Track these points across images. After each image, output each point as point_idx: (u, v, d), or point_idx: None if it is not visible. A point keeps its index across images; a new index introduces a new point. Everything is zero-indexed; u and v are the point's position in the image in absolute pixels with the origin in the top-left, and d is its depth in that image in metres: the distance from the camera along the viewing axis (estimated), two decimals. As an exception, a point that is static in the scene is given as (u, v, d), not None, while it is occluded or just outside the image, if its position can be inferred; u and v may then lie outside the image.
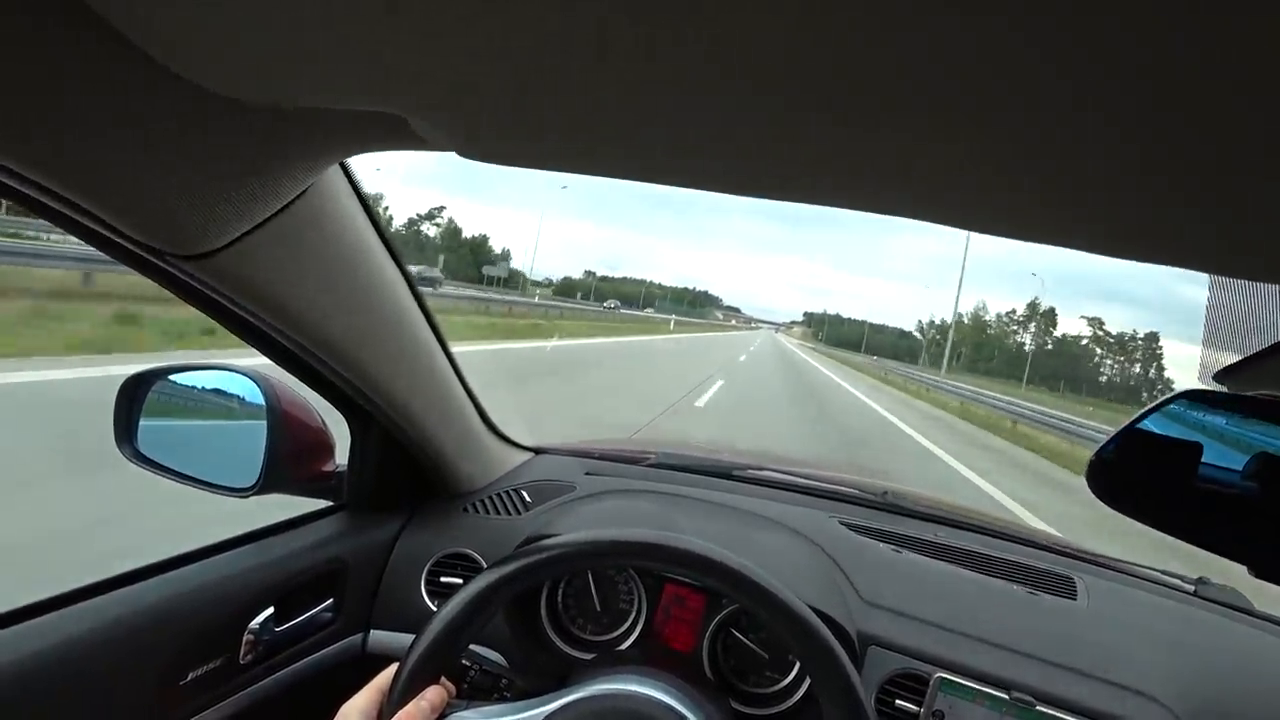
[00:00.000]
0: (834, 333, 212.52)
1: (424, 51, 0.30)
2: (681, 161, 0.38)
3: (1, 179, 0.44)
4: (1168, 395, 0.50)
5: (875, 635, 0.90)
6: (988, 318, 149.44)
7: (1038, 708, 0.80)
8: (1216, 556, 0.48)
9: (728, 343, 38.97)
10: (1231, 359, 0.52)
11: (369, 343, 0.80)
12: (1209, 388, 0.50)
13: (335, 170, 0.60)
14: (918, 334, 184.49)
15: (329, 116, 0.44)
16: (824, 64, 0.25)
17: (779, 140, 0.33)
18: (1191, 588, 1.13)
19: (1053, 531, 1.33)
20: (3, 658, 0.62)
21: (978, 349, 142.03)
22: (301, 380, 0.86)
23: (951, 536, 1.17)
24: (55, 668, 0.65)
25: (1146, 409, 0.50)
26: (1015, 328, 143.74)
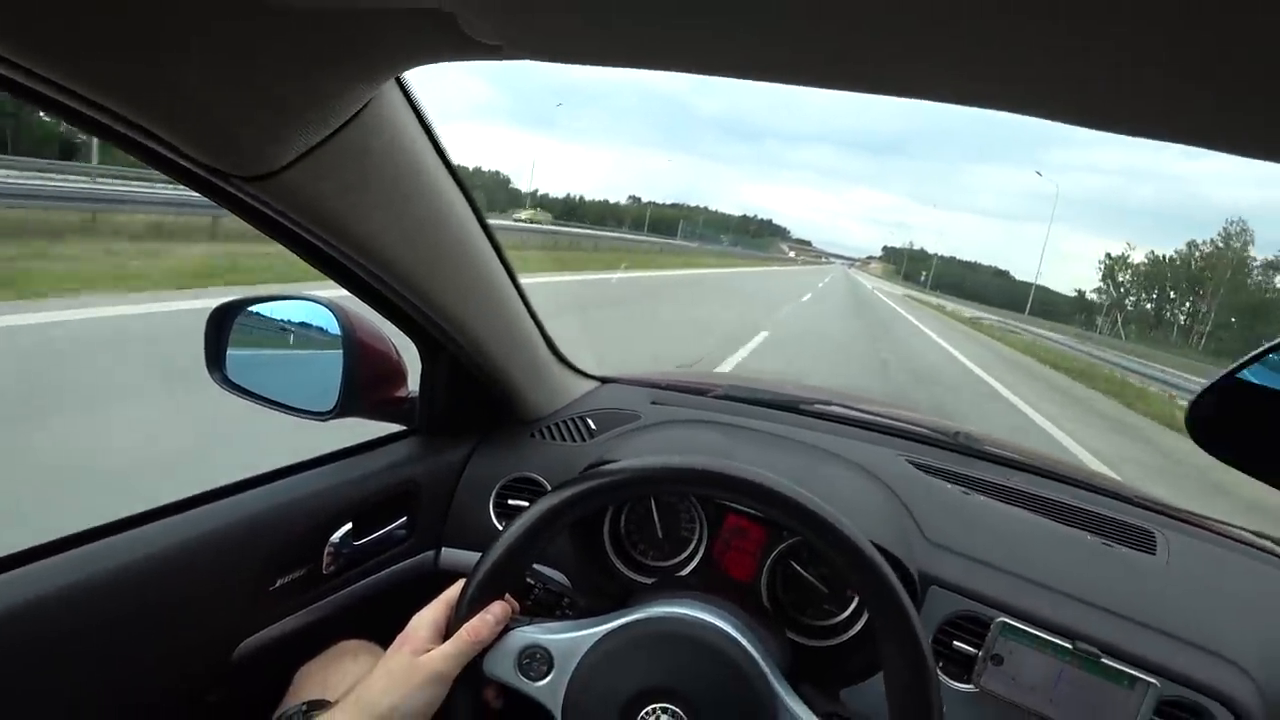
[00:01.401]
0: (928, 274, 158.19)
1: None
2: (746, 49, 0.36)
3: (65, 101, 0.45)
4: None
5: (937, 576, 0.89)
6: (1252, 251, 80.00)
7: (1103, 660, 0.78)
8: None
9: (752, 294, 20.69)
10: None
11: (437, 268, 0.81)
12: None
13: (393, 89, 0.60)
14: (1103, 285, 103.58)
15: (379, 23, 0.43)
16: None
17: (871, 27, 0.31)
18: None
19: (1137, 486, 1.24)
20: (112, 562, 0.69)
21: (1255, 315, 76.87)
22: (375, 309, 0.89)
23: (1025, 482, 1.13)
24: (159, 572, 0.72)
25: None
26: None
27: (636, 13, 0.34)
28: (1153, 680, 0.76)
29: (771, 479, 0.67)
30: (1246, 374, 0.49)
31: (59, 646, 0.64)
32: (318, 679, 0.82)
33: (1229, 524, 1.11)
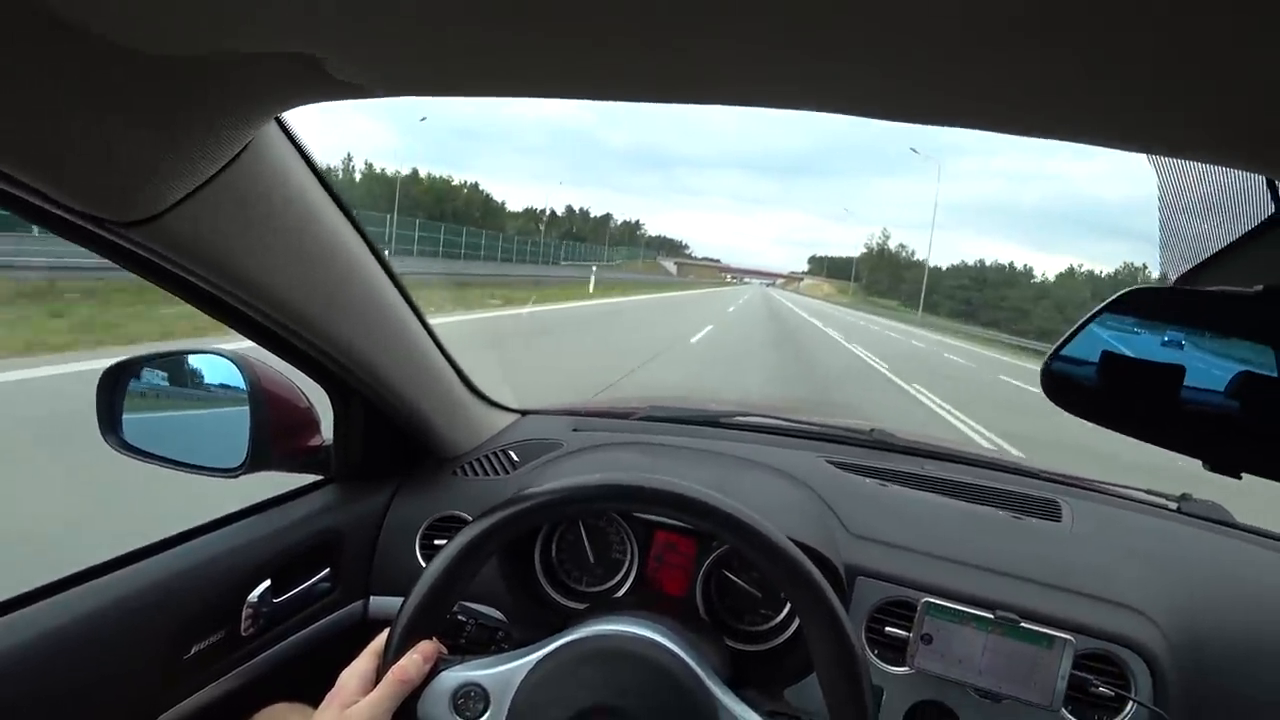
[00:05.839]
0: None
1: None
2: (598, 73, 0.38)
3: None
4: (1116, 294, 0.50)
5: (863, 566, 0.92)
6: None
7: (1022, 624, 0.82)
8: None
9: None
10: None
11: (336, 308, 0.79)
12: (1157, 286, 0.50)
13: (274, 129, 0.60)
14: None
15: (247, 68, 0.43)
16: None
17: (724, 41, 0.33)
18: (1175, 505, 1.15)
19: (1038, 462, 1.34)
20: (10, 641, 0.64)
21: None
22: (279, 356, 0.87)
23: (938, 469, 1.19)
24: (63, 649, 0.67)
25: (1096, 310, 0.51)
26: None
27: (481, 45, 0.36)
28: (1069, 637, 0.80)
29: (687, 487, 0.68)
30: (1120, 346, 0.53)
31: None
32: None
33: (1123, 485, 1.20)
